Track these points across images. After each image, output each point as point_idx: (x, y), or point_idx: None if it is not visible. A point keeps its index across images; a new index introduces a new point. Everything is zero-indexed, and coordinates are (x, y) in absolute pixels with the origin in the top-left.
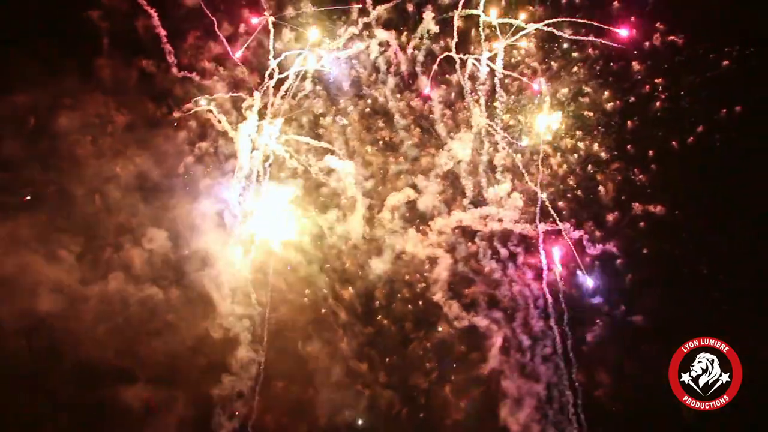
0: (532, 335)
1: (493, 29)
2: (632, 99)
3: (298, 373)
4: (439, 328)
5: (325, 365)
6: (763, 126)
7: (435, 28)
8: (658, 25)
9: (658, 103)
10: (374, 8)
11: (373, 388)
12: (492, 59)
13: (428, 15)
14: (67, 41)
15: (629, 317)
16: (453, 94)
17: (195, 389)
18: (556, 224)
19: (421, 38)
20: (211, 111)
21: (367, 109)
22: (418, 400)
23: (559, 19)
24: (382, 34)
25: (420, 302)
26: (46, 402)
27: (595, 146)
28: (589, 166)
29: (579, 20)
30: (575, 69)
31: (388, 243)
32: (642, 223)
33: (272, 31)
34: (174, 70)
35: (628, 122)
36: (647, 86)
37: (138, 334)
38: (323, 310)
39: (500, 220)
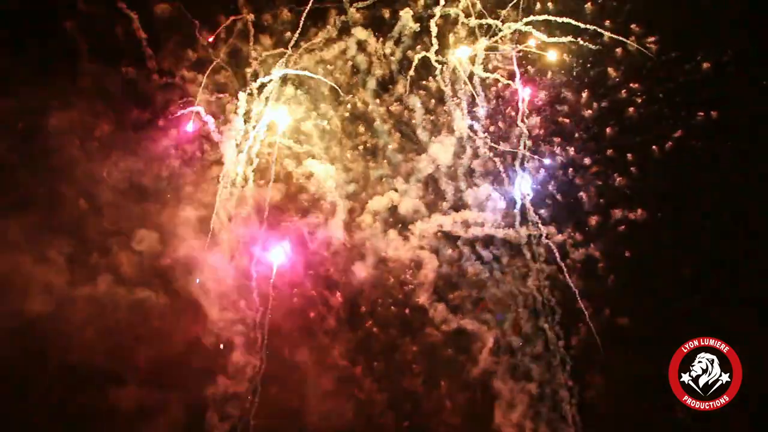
0: (522, 336)
1: (473, 31)
2: (609, 104)
3: (286, 379)
4: (427, 332)
5: (314, 371)
6: (740, 129)
7: (414, 26)
8: (633, 27)
9: (634, 108)
10: (351, 6)
11: (361, 393)
12: (472, 61)
13: (407, 13)
14: (52, 46)
15: (627, 318)
16: (433, 100)
17: (186, 392)
18: (539, 228)
19: (400, 37)
20: (198, 114)
21: (347, 114)
22: (408, 405)
23: (537, 17)
24: (360, 33)
25: (406, 306)
26: (37, 404)
27: (576, 151)
28: (570, 170)
29: (557, 18)
30: (552, 74)
31: (370, 247)
32: (624, 227)
33: (252, 31)
34: (157, 74)
35: (606, 127)
36: (624, 91)
37: (128, 337)
38: (312, 314)
39: (482, 224)
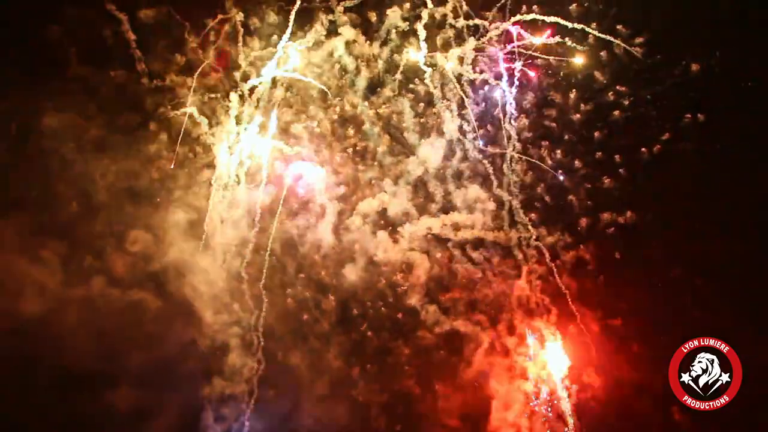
0: (518, 337)
1: (461, 32)
2: (597, 106)
3: (280, 383)
4: (419, 334)
5: (306, 374)
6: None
7: (403, 25)
8: (620, 29)
9: (622, 111)
10: (338, 4)
11: (355, 397)
12: (460, 62)
13: (394, 12)
14: (44, 50)
15: (624, 318)
16: (421, 103)
17: (180, 394)
18: (528, 230)
19: (387, 38)
20: (191, 115)
21: (335, 116)
22: (401, 408)
23: (526, 15)
24: (348, 33)
25: (398, 309)
26: (31, 405)
27: (565, 154)
28: (559, 172)
29: (545, 18)
30: (541, 75)
31: (360, 250)
32: (617, 228)
33: (241, 31)
34: (149, 76)
35: (595, 130)
36: (611, 93)
37: (122, 339)
38: (305, 316)
39: (472, 227)
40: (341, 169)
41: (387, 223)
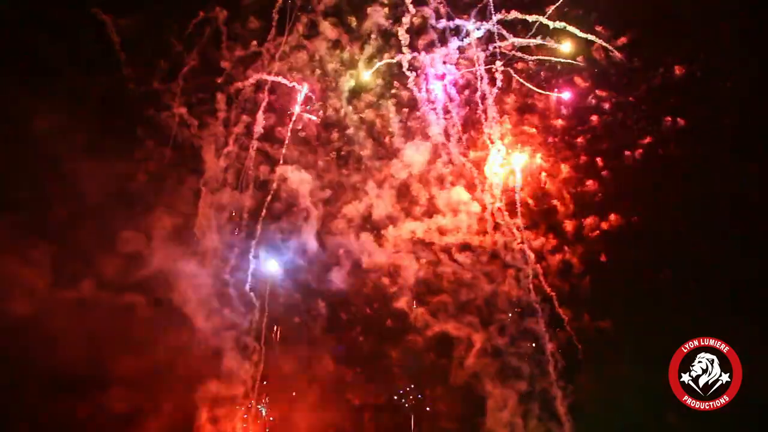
0: (511, 338)
1: (443, 35)
2: (581, 109)
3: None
4: (409, 337)
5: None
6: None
7: (386, 24)
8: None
9: (604, 115)
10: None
11: (351, 400)
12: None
13: (377, 11)
14: (34, 54)
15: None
16: (406, 109)
17: (176, 396)
18: (514, 233)
19: (369, 36)
20: (179, 118)
21: (317, 120)
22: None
23: (507, 17)
24: (330, 32)
25: (388, 312)
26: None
27: (548, 157)
28: (543, 175)
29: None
30: (522, 80)
31: (346, 254)
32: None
33: (224, 30)
34: (137, 82)
35: (577, 134)
36: (593, 98)
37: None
38: (297, 319)
39: (457, 230)
40: (326, 172)
41: (372, 226)
